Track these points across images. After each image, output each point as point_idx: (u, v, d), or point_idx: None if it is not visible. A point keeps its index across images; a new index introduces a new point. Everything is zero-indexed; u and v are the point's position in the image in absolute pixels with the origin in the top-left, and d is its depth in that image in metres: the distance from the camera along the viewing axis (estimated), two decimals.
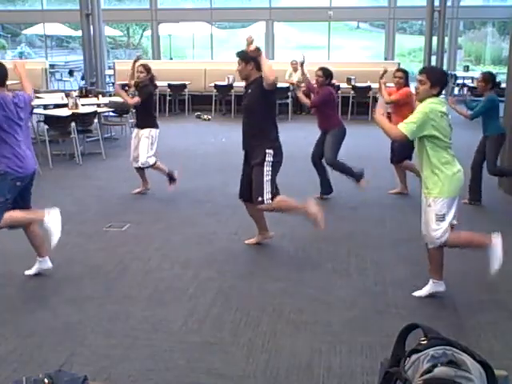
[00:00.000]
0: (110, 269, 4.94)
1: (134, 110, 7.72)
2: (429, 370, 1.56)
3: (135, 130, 7.19)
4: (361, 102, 13.65)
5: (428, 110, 3.90)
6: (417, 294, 4.32)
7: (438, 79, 3.96)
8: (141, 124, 7.10)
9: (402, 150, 6.67)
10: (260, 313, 4.12)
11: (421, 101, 4.01)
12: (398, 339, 1.77)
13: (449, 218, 4.03)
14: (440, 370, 1.55)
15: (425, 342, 1.65)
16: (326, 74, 6.76)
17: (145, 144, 6.97)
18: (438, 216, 4.01)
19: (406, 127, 3.92)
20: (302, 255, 5.26)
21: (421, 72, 3.99)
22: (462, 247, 4.34)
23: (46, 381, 1.81)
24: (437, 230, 4.04)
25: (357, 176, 6.81)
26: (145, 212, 6.57)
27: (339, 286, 4.60)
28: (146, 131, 7.00)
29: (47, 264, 4.73)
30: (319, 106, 6.75)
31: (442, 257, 4.23)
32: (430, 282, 4.31)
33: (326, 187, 7.01)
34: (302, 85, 13.95)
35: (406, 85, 6.79)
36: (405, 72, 6.93)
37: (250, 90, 4.90)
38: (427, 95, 3.97)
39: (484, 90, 6.36)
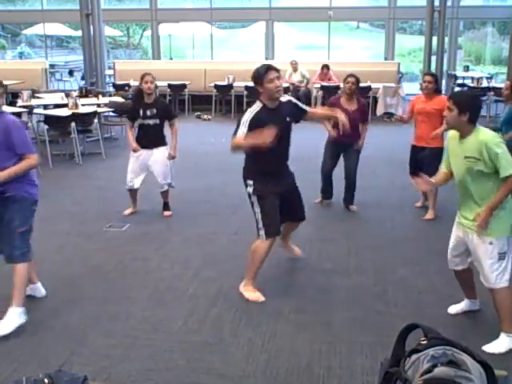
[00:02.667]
0: (109, 269, 4.95)
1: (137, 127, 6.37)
2: (429, 370, 1.56)
3: (141, 152, 6.19)
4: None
5: (501, 142, 3.54)
6: (489, 349, 3.60)
7: (465, 104, 3.57)
8: (156, 143, 6.23)
9: (433, 167, 5.85)
10: (260, 313, 4.12)
11: (452, 129, 3.71)
12: (398, 339, 1.77)
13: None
14: (440, 370, 1.55)
15: (425, 341, 1.65)
16: (358, 82, 6.50)
17: (167, 164, 6.27)
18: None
19: None
20: (302, 255, 5.25)
21: (448, 98, 3.66)
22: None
23: (46, 381, 1.81)
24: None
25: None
26: (145, 212, 6.56)
27: (339, 286, 4.60)
28: (162, 150, 6.26)
29: (40, 291, 4.37)
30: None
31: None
32: (503, 336, 3.66)
33: (331, 193, 6.90)
34: (302, 84, 14.04)
35: (438, 91, 6.34)
36: (434, 76, 6.41)
37: (287, 117, 4.29)
38: (457, 123, 3.60)
39: (509, 98, 6.18)
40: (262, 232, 4.33)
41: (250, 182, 4.31)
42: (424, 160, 6.17)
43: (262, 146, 3.90)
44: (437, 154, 5.97)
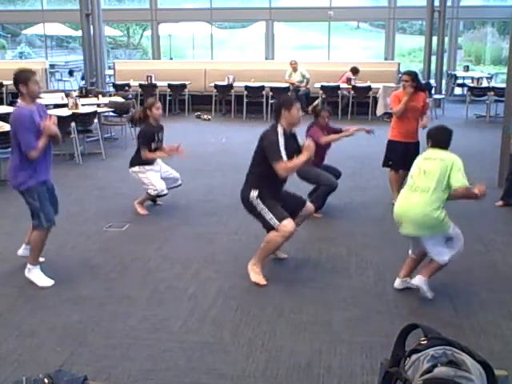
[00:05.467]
0: (110, 269, 4.95)
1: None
2: (429, 370, 1.56)
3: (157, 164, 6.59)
4: (361, 102, 13.66)
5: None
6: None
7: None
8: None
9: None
10: (260, 313, 4.12)
11: None
12: (397, 339, 1.77)
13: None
14: (440, 370, 1.55)
15: (425, 341, 1.65)
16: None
17: None
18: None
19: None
20: (302, 255, 5.26)
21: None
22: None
23: (46, 381, 1.81)
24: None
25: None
26: None
27: (339, 286, 4.60)
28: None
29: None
30: None
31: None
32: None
33: None
34: (302, 84, 14.02)
35: (419, 88, 6.60)
36: (411, 74, 6.59)
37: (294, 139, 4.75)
38: None
39: None
40: (275, 221, 4.52)
41: (255, 192, 4.60)
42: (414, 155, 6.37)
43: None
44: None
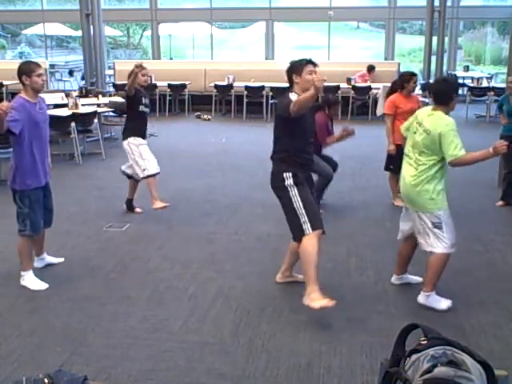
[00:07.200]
0: (110, 269, 4.95)
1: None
2: (429, 370, 1.56)
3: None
4: (361, 102, 13.66)
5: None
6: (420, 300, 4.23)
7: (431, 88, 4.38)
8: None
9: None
10: (260, 313, 4.12)
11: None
12: (397, 339, 1.76)
13: None
14: (440, 370, 1.55)
15: (425, 341, 1.64)
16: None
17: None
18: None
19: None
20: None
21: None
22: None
23: (46, 381, 1.81)
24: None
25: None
26: (145, 212, 6.56)
27: (339, 286, 4.60)
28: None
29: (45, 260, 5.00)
30: None
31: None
32: (422, 294, 4.22)
33: None
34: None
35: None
36: (417, 74, 6.87)
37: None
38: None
39: None
40: (307, 225, 3.99)
41: (289, 174, 4.07)
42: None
43: (314, 96, 3.82)
44: None
